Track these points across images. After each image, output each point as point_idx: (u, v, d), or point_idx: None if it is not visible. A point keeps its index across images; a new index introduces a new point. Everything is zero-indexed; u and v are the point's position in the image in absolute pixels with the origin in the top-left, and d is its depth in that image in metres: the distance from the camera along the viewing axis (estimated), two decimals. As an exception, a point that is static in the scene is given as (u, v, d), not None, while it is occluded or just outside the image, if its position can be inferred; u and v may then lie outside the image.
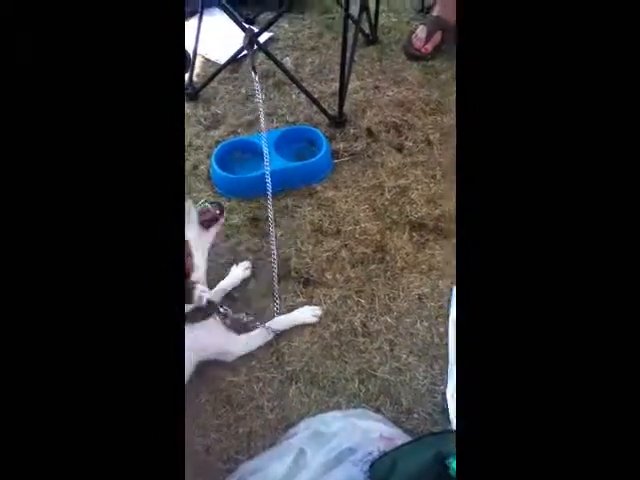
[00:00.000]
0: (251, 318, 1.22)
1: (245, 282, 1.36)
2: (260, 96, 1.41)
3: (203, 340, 1.13)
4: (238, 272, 1.37)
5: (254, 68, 1.43)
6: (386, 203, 1.52)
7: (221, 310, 1.16)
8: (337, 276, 1.37)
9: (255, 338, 1.22)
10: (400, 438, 0.99)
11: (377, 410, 1.10)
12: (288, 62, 1.86)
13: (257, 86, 1.41)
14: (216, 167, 1.54)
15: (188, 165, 1.63)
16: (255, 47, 1.57)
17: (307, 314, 1.28)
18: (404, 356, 1.21)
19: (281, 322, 1.26)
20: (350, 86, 1.74)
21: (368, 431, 0.97)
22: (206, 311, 1.12)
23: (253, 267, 1.39)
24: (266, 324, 1.23)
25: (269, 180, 1.39)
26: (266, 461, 0.97)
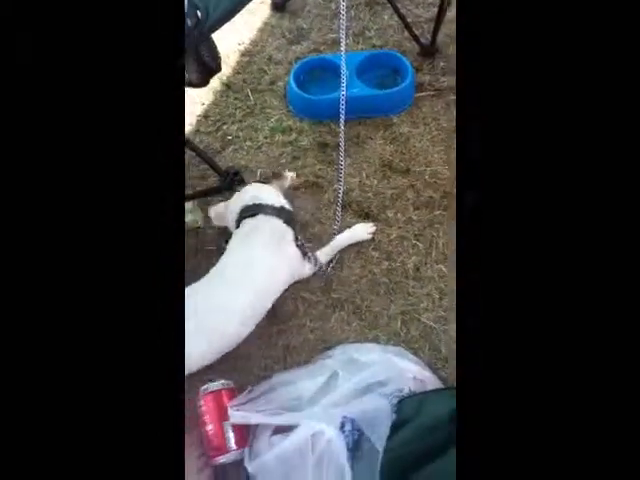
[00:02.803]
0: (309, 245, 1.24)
1: (305, 209, 1.36)
2: (344, 14, 1.31)
3: (287, 268, 1.16)
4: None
5: (344, -19, 1.32)
6: (464, 148, 1.42)
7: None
8: (398, 215, 1.33)
9: (318, 260, 1.24)
10: (432, 383, 0.99)
11: (415, 353, 1.10)
12: (385, -22, 1.70)
13: (343, 3, 1.30)
14: (293, 84, 1.49)
15: (266, 79, 1.60)
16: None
17: (361, 231, 1.29)
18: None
19: (338, 243, 1.27)
20: (449, 13, 1.58)
21: (403, 369, 0.98)
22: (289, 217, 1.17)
23: (314, 194, 1.37)
24: (324, 248, 1.25)
25: (343, 105, 1.33)
26: (299, 376, 1.01)
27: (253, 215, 1.14)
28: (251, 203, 1.16)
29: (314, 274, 1.24)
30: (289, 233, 1.17)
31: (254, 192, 1.19)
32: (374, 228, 1.30)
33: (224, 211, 1.22)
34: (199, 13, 0.77)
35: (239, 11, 0.81)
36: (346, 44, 1.35)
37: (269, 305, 1.14)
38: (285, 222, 1.16)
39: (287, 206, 1.20)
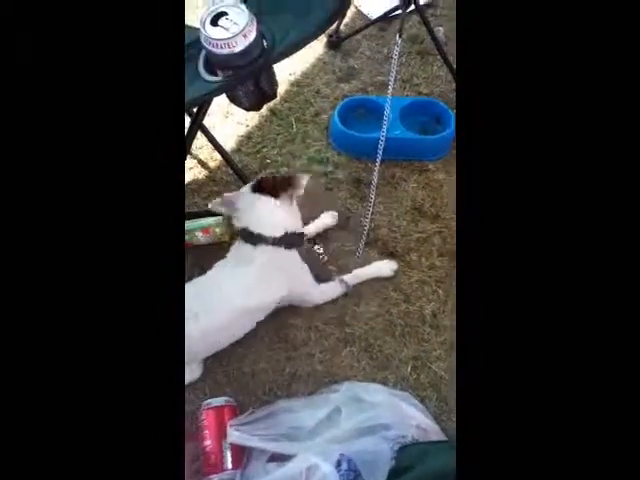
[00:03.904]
0: (333, 268, 1.26)
1: (331, 240, 1.37)
2: (397, 60, 1.36)
3: (290, 277, 1.15)
4: (327, 219, 1.37)
5: (401, 31, 1.38)
6: (496, 202, 1.43)
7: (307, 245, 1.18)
8: (422, 259, 1.33)
9: (332, 289, 1.25)
10: (436, 434, 0.97)
11: (422, 400, 1.08)
12: (440, 32, 1.76)
13: (397, 50, 1.36)
14: (337, 119, 1.53)
15: (311, 111, 1.65)
16: (410, 8, 1.51)
17: (383, 268, 1.29)
18: (465, 359, 1.16)
19: (358, 276, 1.27)
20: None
21: (407, 416, 0.96)
22: (293, 241, 1.14)
23: (343, 228, 1.38)
24: (343, 277, 1.25)
25: (382, 144, 1.37)
26: (302, 406, 1.00)
27: (253, 244, 1.11)
28: (254, 231, 1.11)
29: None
30: (292, 256, 1.14)
31: (259, 215, 1.13)
32: (397, 266, 1.30)
33: (234, 202, 1.16)
34: (265, 43, 0.80)
35: (304, 46, 0.84)
36: (393, 88, 1.40)
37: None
38: (287, 247, 1.12)
39: (292, 227, 1.14)
